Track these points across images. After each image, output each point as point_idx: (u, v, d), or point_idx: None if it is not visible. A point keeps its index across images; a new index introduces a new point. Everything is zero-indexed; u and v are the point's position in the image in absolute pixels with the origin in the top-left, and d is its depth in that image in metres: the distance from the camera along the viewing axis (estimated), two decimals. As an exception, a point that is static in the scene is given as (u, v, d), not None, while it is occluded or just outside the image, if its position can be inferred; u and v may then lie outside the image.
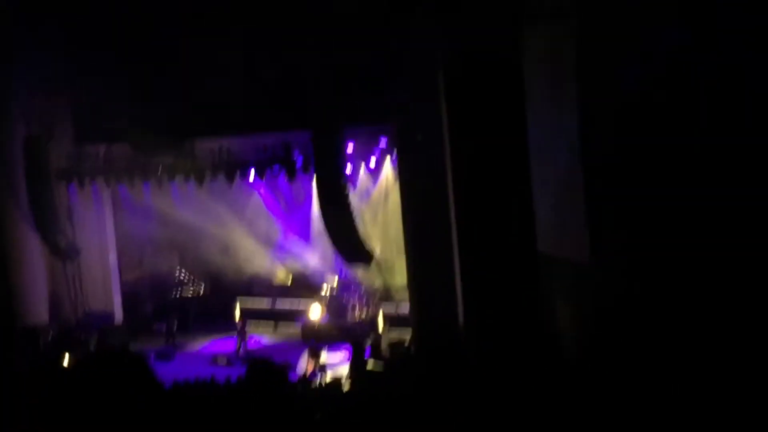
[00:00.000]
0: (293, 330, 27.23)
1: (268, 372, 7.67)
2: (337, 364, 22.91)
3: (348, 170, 23.85)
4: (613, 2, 13.56)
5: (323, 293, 27.29)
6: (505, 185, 16.99)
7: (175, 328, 26.47)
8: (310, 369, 21.98)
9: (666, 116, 12.54)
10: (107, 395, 4.62)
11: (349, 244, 23.18)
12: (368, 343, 23.30)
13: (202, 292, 29.43)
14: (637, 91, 12.87)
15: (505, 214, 17.03)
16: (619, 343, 13.14)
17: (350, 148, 24.12)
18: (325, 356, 23.47)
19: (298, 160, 24.26)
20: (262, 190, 28.65)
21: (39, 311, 25.25)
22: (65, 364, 21.74)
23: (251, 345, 25.64)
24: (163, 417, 5.23)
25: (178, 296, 29.32)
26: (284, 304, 28.28)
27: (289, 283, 29.37)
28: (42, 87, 24.17)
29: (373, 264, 24.49)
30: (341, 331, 25.35)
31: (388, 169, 25.97)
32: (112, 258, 28.01)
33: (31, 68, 23.42)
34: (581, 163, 13.94)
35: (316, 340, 24.94)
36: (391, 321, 24.96)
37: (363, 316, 26.37)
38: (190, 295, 29.35)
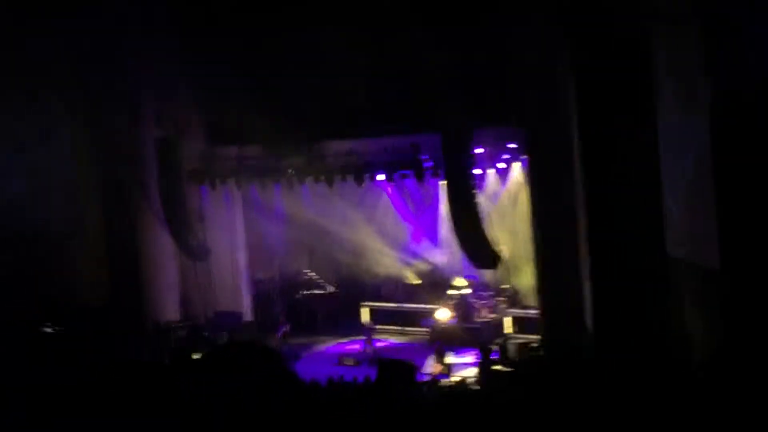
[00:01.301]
0: (421, 332, 27.19)
1: (397, 371, 7.66)
2: (464, 366, 22.84)
3: (477, 172, 23.79)
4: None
5: (451, 295, 27.19)
6: (636, 189, 16.75)
7: (287, 330, 26.44)
8: (437, 371, 21.97)
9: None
10: (242, 385, 4.65)
11: (477, 247, 23.12)
12: (496, 346, 23.20)
13: (330, 293, 29.57)
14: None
15: (635, 217, 16.80)
16: (748, 349, 12.85)
17: (480, 151, 24.07)
18: (451, 358, 23.47)
19: (427, 162, 24.25)
20: (391, 192, 28.74)
21: (170, 310, 25.72)
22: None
23: (378, 347, 25.66)
24: (298, 413, 5.25)
25: (306, 297, 29.51)
26: (411, 306, 28.24)
27: (418, 285, 29.39)
28: (174, 88, 24.57)
29: (501, 266, 24.37)
30: (469, 333, 25.21)
31: (517, 172, 25.85)
32: (242, 258, 28.39)
33: (163, 70, 23.83)
34: (712, 166, 13.65)
35: (443, 342, 24.87)
36: (520, 324, 24.79)
37: (491, 318, 26.22)
38: (318, 297, 29.51)
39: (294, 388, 4.97)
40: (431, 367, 22.78)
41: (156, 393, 5.10)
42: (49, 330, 20.62)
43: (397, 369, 7.97)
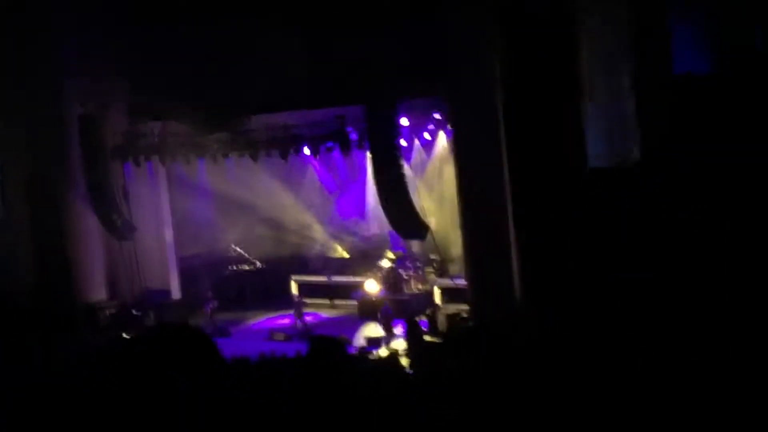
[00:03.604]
0: (350, 305, 27.21)
1: (328, 346, 7.64)
2: (393, 338, 22.93)
3: (402, 144, 23.78)
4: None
5: (380, 267, 27.22)
6: (559, 157, 16.86)
7: (215, 306, 26.30)
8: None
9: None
10: (170, 368, 4.59)
11: (404, 218, 23.12)
12: (425, 317, 23.27)
13: (258, 268, 29.49)
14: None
15: (559, 186, 16.92)
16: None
17: (405, 122, 24.06)
18: (378, 331, 23.56)
19: (353, 134, 24.18)
20: (317, 166, 28.66)
21: (97, 289, 25.47)
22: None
23: (308, 320, 25.65)
24: (226, 391, 5.20)
25: (234, 273, 29.42)
26: (341, 279, 28.24)
27: (346, 258, 29.40)
28: (96, 66, 24.28)
29: (428, 237, 24.43)
30: (398, 305, 25.25)
31: (442, 142, 25.87)
32: (169, 235, 28.20)
33: (84, 47, 23.53)
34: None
35: (373, 315, 24.91)
36: (449, 295, 24.87)
37: (420, 290, 26.29)
38: (246, 272, 29.42)
39: (223, 370, 4.92)
40: (375, 334, 23.00)
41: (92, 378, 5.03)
42: None
43: (327, 344, 7.96)
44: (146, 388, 4.60)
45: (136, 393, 4.63)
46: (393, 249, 27.55)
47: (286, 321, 25.83)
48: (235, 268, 29.59)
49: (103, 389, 4.84)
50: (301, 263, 29.36)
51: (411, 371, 14.28)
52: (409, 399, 8.46)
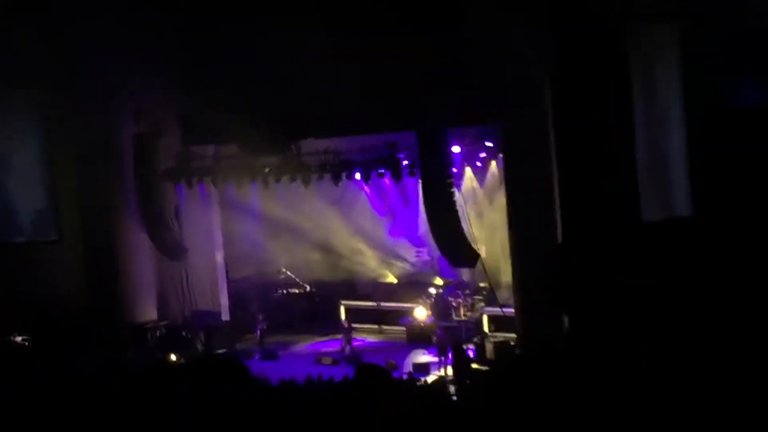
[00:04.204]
0: (398, 331, 27.18)
1: (374, 373, 7.62)
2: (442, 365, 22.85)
3: (454, 171, 23.77)
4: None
5: (429, 294, 27.19)
6: (612, 188, 16.76)
7: (264, 329, 26.39)
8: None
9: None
10: (205, 399, 4.64)
11: (454, 245, 23.08)
12: (472, 344, 23.18)
13: (307, 292, 29.52)
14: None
15: (611, 217, 16.81)
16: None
17: (456, 150, 24.06)
18: (430, 357, 23.53)
19: (404, 160, 24.20)
20: (369, 191, 28.70)
21: (147, 310, 25.58)
22: (172, 361, 21.98)
23: (356, 345, 25.64)
24: (267, 416, 5.24)
25: (283, 296, 29.48)
26: (389, 305, 28.23)
27: (395, 283, 29.39)
28: (151, 87, 24.45)
29: (478, 265, 24.36)
30: (446, 332, 25.17)
31: (494, 170, 25.83)
32: (219, 257, 28.32)
33: (140, 68, 23.71)
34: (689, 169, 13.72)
35: (421, 340, 24.91)
36: (497, 323, 24.77)
37: (468, 317, 26.20)
38: (295, 296, 29.47)
39: (264, 401, 4.98)
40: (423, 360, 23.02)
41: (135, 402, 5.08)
42: (19, 340, 20.47)
43: (374, 371, 7.95)
44: (181, 414, 4.65)
45: (172, 419, 4.67)
46: (443, 276, 27.52)
47: (334, 345, 25.81)
48: (284, 291, 29.66)
49: (140, 412, 4.88)
50: (350, 288, 29.36)
51: (457, 398, 14.24)
52: (454, 427, 8.42)
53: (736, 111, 14.38)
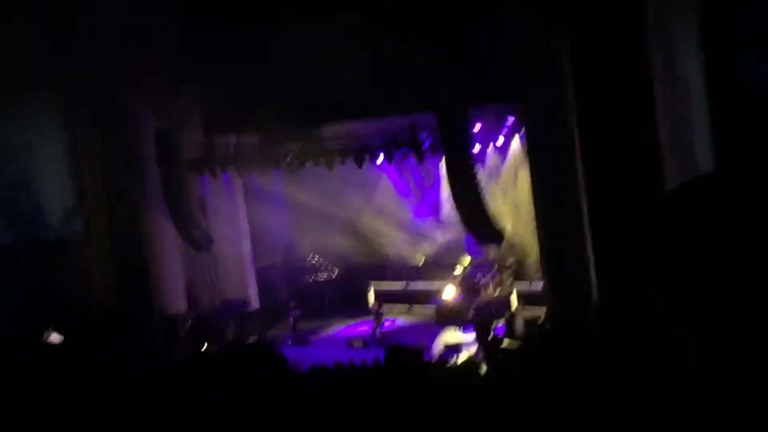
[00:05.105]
0: (428, 311, 27.25)
1: (404, 355, 7.70)
2: (472, 344, 22.90)
3: (476, 149, 23.77)
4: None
5: (456, 274, 27.24)
6: (636, 161, 16.73)
7: (298, 316, 26.59)
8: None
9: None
10: (240, 386, 4.70)
11: (479, 224, 23.10)
12: (500, 322, 23.19)
13: (335, 276, 29.63)
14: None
15: (636, 187, 16.78)
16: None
17: (477, 128, 24.05)
18: (460, 336, 23.57)
19: (426, 141, 24.21)
20: (391, 173, 28.75)
21: (177, 301, 25.67)
22: (204, 352, 22.10)
23: (386, 327, 25.73)
24: (299, 400, 5.29)
25: (312, 282, 29.59)
26: (418, 285, 28.31)
27: (422, 264, 29.43)
28: (171, 79, 24.52)
29: (504, 242, 24.37)
30: (475, 311, 25.23)
31: (516, 147, 25.82)
32: (246, 246, 28.43)
33: (159, 60, 23.77)
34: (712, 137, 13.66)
35: (450, 321, 24.98)
36: (525, 299, 24.80)
37: (496, 294, 26.23)
38: (323, 281, 29.58)
39: (293, 385, 5.04)
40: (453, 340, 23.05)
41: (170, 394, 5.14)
42: (54, 338, 20.60)
43: (403, 353, 8.02)
44: (218, 403, 4.71)
45: (210, 408, 4.73)
46: (470, 254, 27.55)
47: (365, 328, 25.92)
48: (312, 277, 29.77)
49: (177, 403, 4.94)
50: (379, 270, 29.43)
51: (487, 376, 14.26)
52: (483, 406, 8.45)
53: (760, 89, 14.31)
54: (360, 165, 25.54)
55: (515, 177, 26.43)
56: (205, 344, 23.17)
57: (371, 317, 25.73)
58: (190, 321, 25.31)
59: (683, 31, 14.97)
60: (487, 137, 25.29)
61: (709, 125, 13.86)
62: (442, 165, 23.95)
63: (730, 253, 2.83)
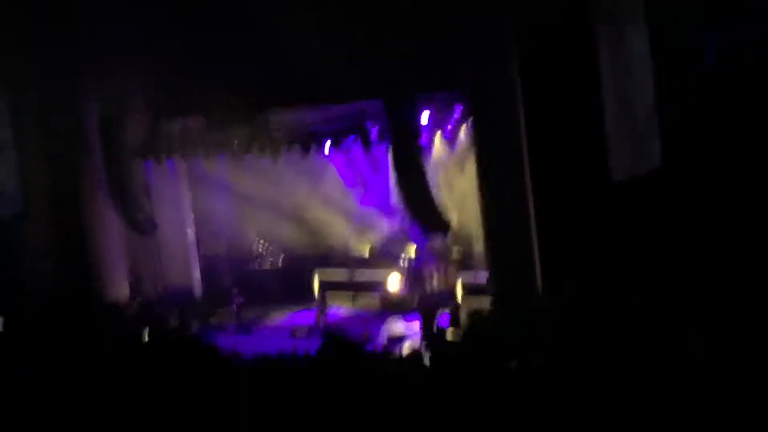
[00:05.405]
0: (372, 301, 27.15)
1: (341, 345, 7.59)
2: (415, 335, 22.85)
3: (423, 139, 23.68)
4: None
5: (401, 263, 27.20)
6: (581, 151, 16.78)
7: (241, 303, 26.37)
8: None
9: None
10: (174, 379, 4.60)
11: (425, 213, 23.03)
12: (443, 312, 23.14)
13: (280, 264, 29.51)
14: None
15: (581, 181, 16.85)
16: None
17: (425, 117, 23.96)
18: (404, 326, 23.54)
19: (373, 129, 24.11)
20: (338, 162, 28.62)
21: (119, 288, 25.39)
22: (146, 339, 21.89)
23: (331, 317, 25.59)
24: (239, 392, 5.18)
25: (256, 270, 29.46)
26: (362, 275, 28.22)
27: (368, 254, 29.37)
28: (114, 65, 24.22)
29: (450, 233, 24.33)
30: (420, 300, 25.20)
31: (463, 139, 25.76)
32: (191, 233, 28.22)
33: (102, 46, 23.49)
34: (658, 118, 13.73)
35: (395, 310, 24.93)
36: (470, 290, 24.77)
37: (441, 285, 26.20)
38: (268, 269, 29.45)
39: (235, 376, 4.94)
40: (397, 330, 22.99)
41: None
42: None
43: (341, 343, 7.89)
44: (150, 391, 4.60)
45: (143, 395, 4.61)
46: (415, 244, 27.50)
47: (309, 317, 25.75)
48: (257, 264, 29.61)
49: (110, 389, 4.81)
50: (323, 259, 29.31)
51: (429, 367, 14.19)
52: (428, 397, 8.39)
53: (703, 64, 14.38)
54: (306, 153, 25.39)
55: (462, 168, 26.38)
56: (146, 331, 22.92)
57: (315, 306, 25.58)
58: (131, 307, 25.07)
59: (630, 7, 15.04)
60: (435, 126, 25.20)
61: (655, 106, 13.92)
62: (389, 153, 23.84)
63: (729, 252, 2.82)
